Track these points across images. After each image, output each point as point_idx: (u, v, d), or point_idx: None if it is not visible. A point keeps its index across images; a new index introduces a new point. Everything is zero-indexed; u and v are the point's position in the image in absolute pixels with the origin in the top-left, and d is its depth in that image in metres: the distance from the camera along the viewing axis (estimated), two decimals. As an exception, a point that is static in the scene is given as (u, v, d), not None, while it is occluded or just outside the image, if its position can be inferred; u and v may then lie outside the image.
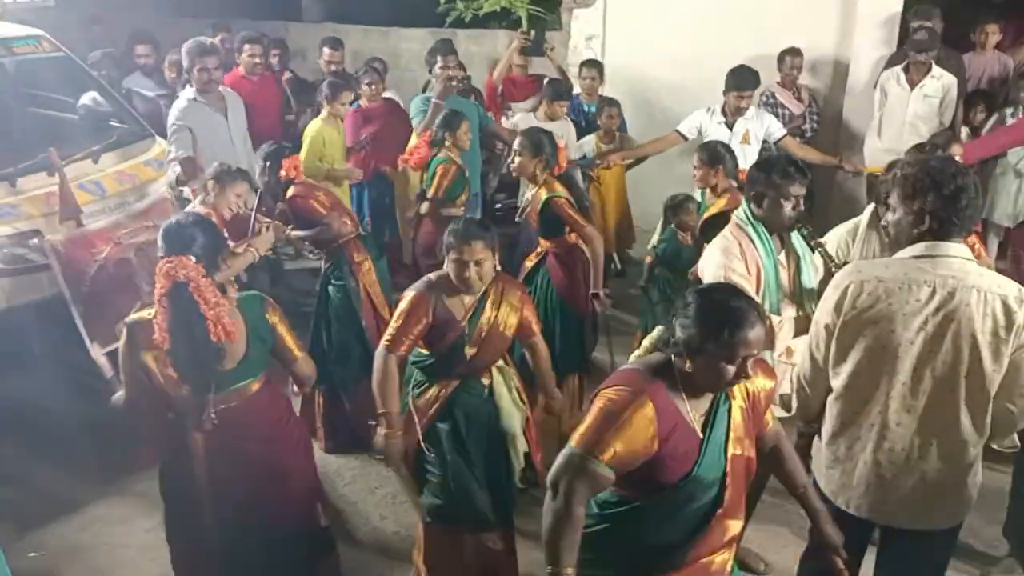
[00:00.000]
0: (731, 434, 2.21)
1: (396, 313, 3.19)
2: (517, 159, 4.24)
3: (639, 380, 2.16)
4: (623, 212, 6.32)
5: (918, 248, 2.43)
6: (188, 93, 4.95)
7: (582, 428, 2.17)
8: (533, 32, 6.82)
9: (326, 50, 6.52)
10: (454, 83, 5.63)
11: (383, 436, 3.13)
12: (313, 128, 5.50)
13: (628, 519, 2.22)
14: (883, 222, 2.72)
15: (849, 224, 3.56)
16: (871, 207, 3.43)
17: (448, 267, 3.13)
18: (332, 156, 5.55)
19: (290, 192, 4.29)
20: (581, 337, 4.40)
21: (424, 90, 6.23)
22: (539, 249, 4.39)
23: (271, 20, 8.48)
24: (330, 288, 4.38)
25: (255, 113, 5.57)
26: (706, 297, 2.14)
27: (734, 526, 2.25)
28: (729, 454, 2.20)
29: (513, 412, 3.37)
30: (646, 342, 2.32)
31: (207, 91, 4.96)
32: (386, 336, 3.17)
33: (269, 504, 2.98)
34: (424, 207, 4.93)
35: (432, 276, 3.21)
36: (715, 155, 4.40)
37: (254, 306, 2.91)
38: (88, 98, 5.38)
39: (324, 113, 5.55)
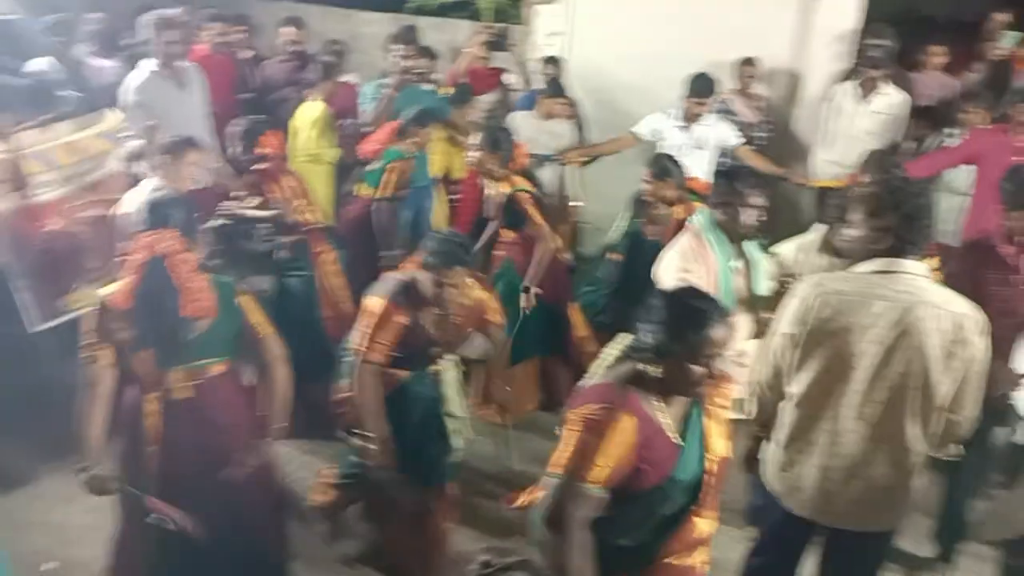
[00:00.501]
0: (710, 436, 2.28)
1: (367, 320, 3.15)
2: (474, 155, 4.29)
3: (613, 393, 2.19)
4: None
5: (877, 264, 2.53)
6: (149, 65, 4.84)
7: (563, 454, 2.15)
8: (497, 26, 6.84)
9: (287, 29, 6.40)
10: (411, 75, 5.62)
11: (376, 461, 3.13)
12: (318, 110, 5.47)
13: (602, 521, 2.23)
14: (841, 237, 2.82)
15: (797, 240, 3.66)
16: (823, 230, 3.56)
17: (424, 281, 3.15)
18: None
19: (261, 165, 4.23)
20: (549, 323, 4.52)
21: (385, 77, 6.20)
22: (503, 240, 4.44)
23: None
24: (289, 279, 4.33)
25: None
26: (668, 300, 2.20)
27: (705, 524, 2.31)
28: (708, 455, 2.27)
29: (455, 398, 3.49)
30: (612, 351, 2.36)
31: (168, 64, 4.85)
32: (359, 345, 3.14)
33: (221, 494, 2.95)
34: (361, 190, 4.96)
35: (401, 279, 3.21)
36: (663, 169, 4.52)
37: (225, 285, 2.93)
38: (39, 64, 5.20)
39: (324, 94, 5.50)
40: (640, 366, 2.19)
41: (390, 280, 3.22)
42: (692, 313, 2.13)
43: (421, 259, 3.19)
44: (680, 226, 4.25)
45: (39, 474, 4.00)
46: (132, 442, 2.89)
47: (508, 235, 4.46)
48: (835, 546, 2.83)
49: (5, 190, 4.24)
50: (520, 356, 4.55)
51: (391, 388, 3.26)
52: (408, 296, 3.16)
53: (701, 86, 5.47)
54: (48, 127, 4.70)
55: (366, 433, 3.12)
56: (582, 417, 2.14)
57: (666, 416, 2.21)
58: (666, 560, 2.26)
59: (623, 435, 2.11)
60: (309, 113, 5.50)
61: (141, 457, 2.87)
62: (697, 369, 2.13)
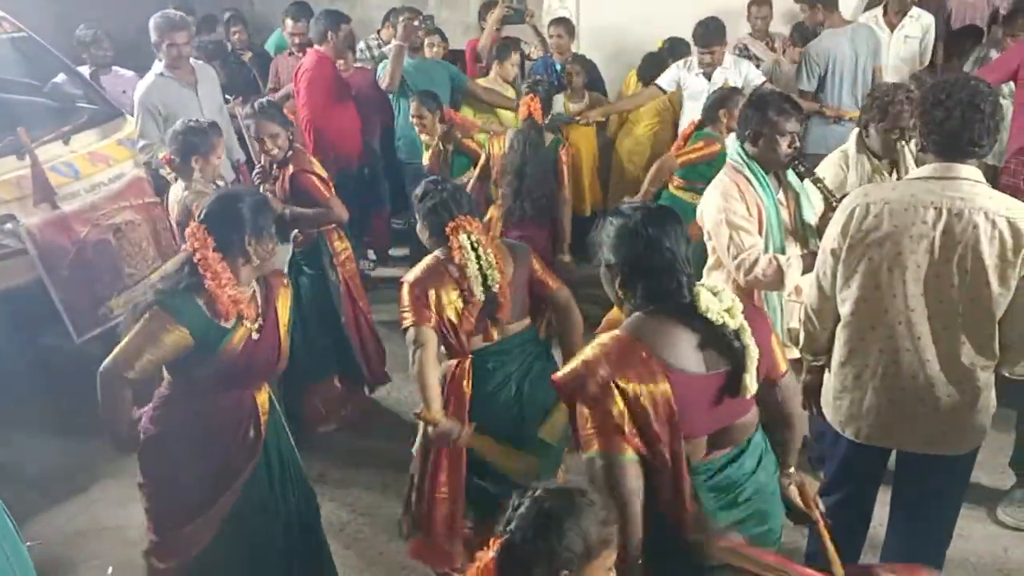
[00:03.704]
0: None
1: None
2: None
3: None
4: (595, 172, 6.23)
5: (927, 170, 2.39)
6: (156, 68, 4.82)
7: None
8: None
9: (289, 21, 6.25)
10: (415, 23, 5.54)
11: None
12: None
13: None
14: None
15: (837, 153, 3.50)
16: (855, 132, 3.42)
17: None
18: None
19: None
20: None
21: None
22: None
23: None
24: (303, 278, 4.17)
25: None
26: None
27: None
28: None
29: None
30: None
31: (176, 66, 4.83)
32: None
33: None
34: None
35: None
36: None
37: None
38: (57, 78, 5.24)
39: None
40: None
41: None
42: None
43: None
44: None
45: (95, 480, 4.02)
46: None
47: None
48: (906, 472, 2.70)
49: (32, 204, 4.26)
50: None
51: None
52: None
53: (701, 33, 5.29)
54: (68, 139, 4.73)
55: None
56: None
57: None
58: None
59: None
60: None
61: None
62: None
